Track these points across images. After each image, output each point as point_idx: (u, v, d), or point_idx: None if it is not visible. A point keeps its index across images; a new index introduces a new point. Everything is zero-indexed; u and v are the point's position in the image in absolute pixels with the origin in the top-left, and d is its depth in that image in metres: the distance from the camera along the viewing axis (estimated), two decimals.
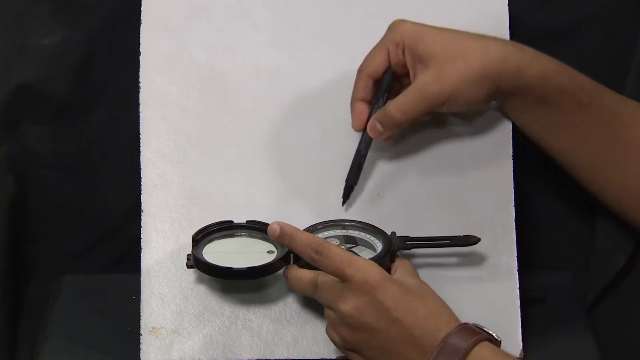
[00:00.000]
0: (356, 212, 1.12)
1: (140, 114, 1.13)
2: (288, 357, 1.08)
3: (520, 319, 1.10)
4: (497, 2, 1.15)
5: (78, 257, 1.25)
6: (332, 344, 1.07)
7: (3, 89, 1.16)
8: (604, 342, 1.14)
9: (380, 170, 1.13)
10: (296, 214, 1.11)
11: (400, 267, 1.02)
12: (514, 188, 1.13)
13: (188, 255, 1.06)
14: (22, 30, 1.15)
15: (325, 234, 1.08)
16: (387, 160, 1.14)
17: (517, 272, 1.12)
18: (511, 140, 1.13)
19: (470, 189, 1.13)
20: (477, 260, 1.11)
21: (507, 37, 1.14)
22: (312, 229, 1.08)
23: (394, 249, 1.06)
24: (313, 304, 1.08)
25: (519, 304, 1.11)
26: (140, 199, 1.11)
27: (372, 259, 1.02)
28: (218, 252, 1.06)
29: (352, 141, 1.13)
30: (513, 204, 1.12)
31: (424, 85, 1.04)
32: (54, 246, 1.24)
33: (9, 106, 1.17)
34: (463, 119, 1.14)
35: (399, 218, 1.12)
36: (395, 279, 0.99)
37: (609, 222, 1.16)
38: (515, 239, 1.12)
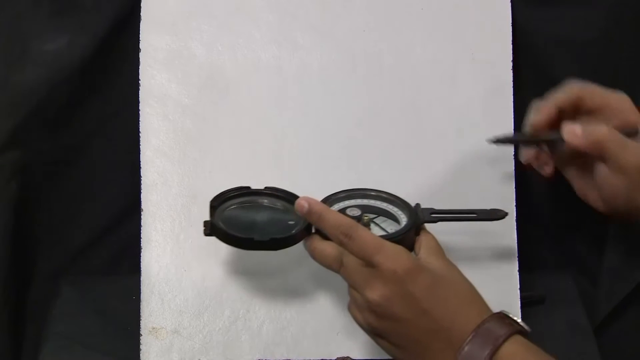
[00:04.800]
0: None
1: (140, 112, 1.12)
2: (288, 358, 1.08)
3: (520, 319, 1.09)
4: (499, 2, 1.15)
5: (78, 257, 1.25)
6: (331, 344, 1.08)
7: (5, 93, 1.16)
8: (604, 343, 1.14)
9: (380, 170, 1.13)
10: None
11: (424, 243, 0.99)
12: (514, 188, 1.13)
13: (205, 222, 1.03)
14: (23, 34, 1.15)
15: (348, 202, 1.04)
16: (388, 159, 1.13)
17: (517, 272, 1.12)
18: None
19: (470, 189, 1.13)
20: (477, 260, 1.11)
21: (510, 38, 1.14)
22: (334, 198, 1.05)
23: (419, 222, 1.02)
24: (313, 304, 1.09)
25: (519, 304, 1.11)
26: (140, 198, 1.11)
27: (397, 232, 1.00)
28: (236, 220, 1.03)
29: (352, 139, 1.14)
30: (514, 203, 1.12)
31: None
32: (55, 247, 1.24)
33: (13, 112, 1.17)
34: (463, 119, 1.14)
35: None
36: (424, 265, 0.96)
37: (622, 241, 1.16)
38: (515, 238, 1.12)
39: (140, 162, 1.12)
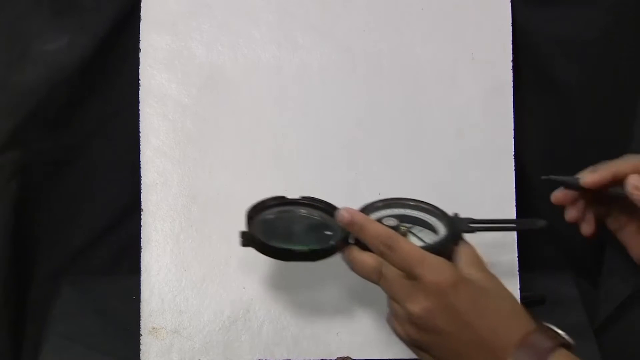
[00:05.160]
0: None
1: (140, 112, 1.12)
2: (288, 358, 1.08)
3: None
4: (499, 2, 1.15)
5: (78, 257, 1.25)
6: (331, 344, 1.08)
7: (5, 93, 1.16)
8: (604, 343, 1.14)
9: (380, 170, 1.13)
10: None
11: (464, 254, 0.97)
12: (514, 188, 1.13)
13: (243, 233, 0.99)
14: (23, 34, 1.15)
15: (384, 212, 1.01)
16: (388, 159, 1.13)
17: (517, 272, 1.12)
18: (512, 140, 1.13)
19: (470, 189, 1.13)
20: None
21: (510, 38, 1.14)
22: (372, 207, 1.02)
23: (458, 232, 1.00)
24: (313, 304, 1.08)
25: None
26: (140, 198, 1.11)
27: (437, 243, 0.98)
28: (273, 231, 1.00)
29: (352, 138, 1.14)
30: (514, 203, 1.12)
31: None
32: (55, 247, 1.24)
33: (13, 112, 1.17)
34: (463, 119, 1.14)
35: None
36: (466, 277, 0.94)
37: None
38: (515, 238, 1.12)
39: (140, 162, 1.12)
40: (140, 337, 1.08)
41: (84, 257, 1.25)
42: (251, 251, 1.10)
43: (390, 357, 1.09)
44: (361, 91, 1.15)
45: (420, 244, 0.98)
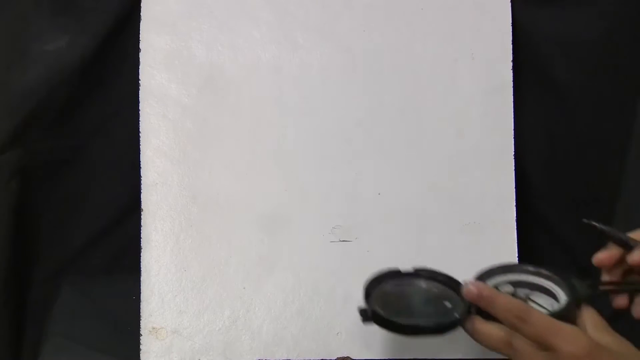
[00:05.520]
0: (356, 211, 1.12)
1: (140, 112, 1.12)
2: (288, 358, 1.08)
3: None
4: (499, 2, 1.15)
5: (78, 257, 1.25)
6: (331, 344, 1.07)
7: (6, 94, 1.16)
8: None
9: (380, 170, 1.13)
10: (296, 213, 1.12)
11: (589, 319, 0.94)
12: (514, 188, 1.12)
13: (363, 311, 0.95)
14: (23, 34, 1.15)
15: (501, 278, 0.99)
16: (388, 160, 1.13)
17: None
18: (512, 140, 1.13)
19: (470, 189, 1.13)
20: (477, 260, 1.10)
21: (510, 37, 1.14)
22: (489, 273, 0.99)
23: (579, 297, 0.96)
24: (313, 304, 1.08)
25: None
26: (140, 198, 1.11)
27: (561, 310, 0.95)
28: (393, 305, 0.97)
29: (352, 138, 1.13)
30: (514, 203, 1.12)
31: None
32: (55, 247, 1.24)
33: (13, 112, 1.17)
34: (463, 119, 1.14)
35: (399, 218, 1.12)
36: (600, 345, 0.90)
37: None
38: (515, 238, 1.12)
39: (140, 162, 1.12)
40: (140, 337, 1.08)
41: (84, 257, 1.25)
42: (251, 252, 1.10)
43: (390, 357, 1.09)
44: (361, 91, 1.15)
45: (542, 311, 0.95)
